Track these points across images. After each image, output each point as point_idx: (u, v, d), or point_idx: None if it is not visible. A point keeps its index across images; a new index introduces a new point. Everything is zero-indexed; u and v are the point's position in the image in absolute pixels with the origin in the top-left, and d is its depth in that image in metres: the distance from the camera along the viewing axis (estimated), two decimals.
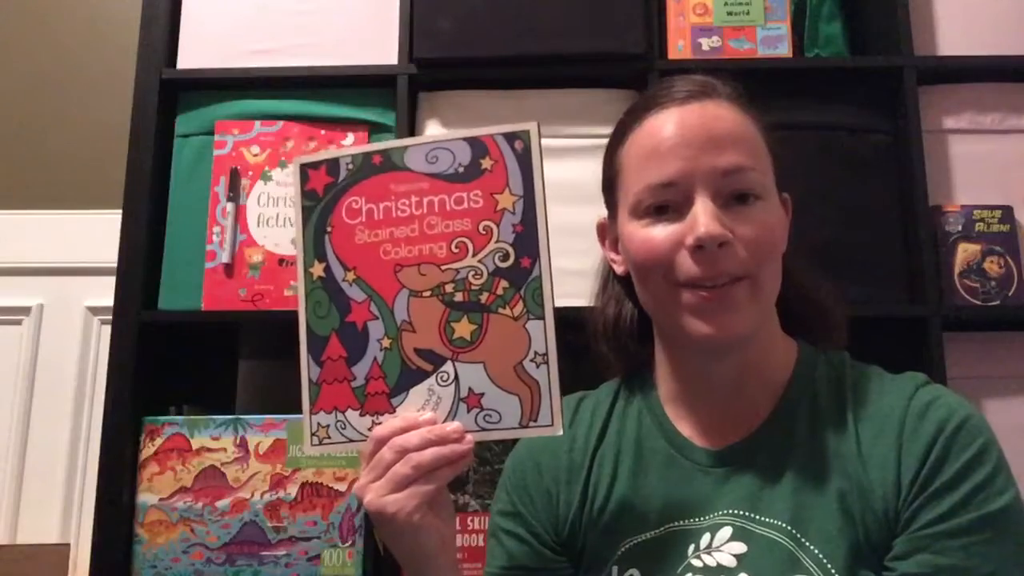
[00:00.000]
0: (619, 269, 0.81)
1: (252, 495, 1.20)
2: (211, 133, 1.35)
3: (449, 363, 0.68)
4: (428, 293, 0.68)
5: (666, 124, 0.72)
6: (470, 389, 0.67)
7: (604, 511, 0.75)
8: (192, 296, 1.28)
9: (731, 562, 0.68)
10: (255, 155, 1.33)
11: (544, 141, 1.33)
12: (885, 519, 0.66)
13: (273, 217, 1.31)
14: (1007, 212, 1.30)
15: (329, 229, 0.71)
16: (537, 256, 0.67)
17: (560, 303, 1.27)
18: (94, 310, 1.75)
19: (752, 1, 1.38)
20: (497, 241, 0.68)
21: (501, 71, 1.35)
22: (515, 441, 0.86)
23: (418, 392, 0.68)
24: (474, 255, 0.68)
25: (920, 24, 1.35)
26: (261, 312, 1.27)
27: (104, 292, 1.42)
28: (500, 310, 0.67)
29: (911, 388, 0.70)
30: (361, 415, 0.69)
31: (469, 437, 0.65)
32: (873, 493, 0.66)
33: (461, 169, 0.69)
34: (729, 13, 1.38)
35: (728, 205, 0.69)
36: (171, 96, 1.37)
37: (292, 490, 1.20)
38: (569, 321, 1.31)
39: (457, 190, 0.69)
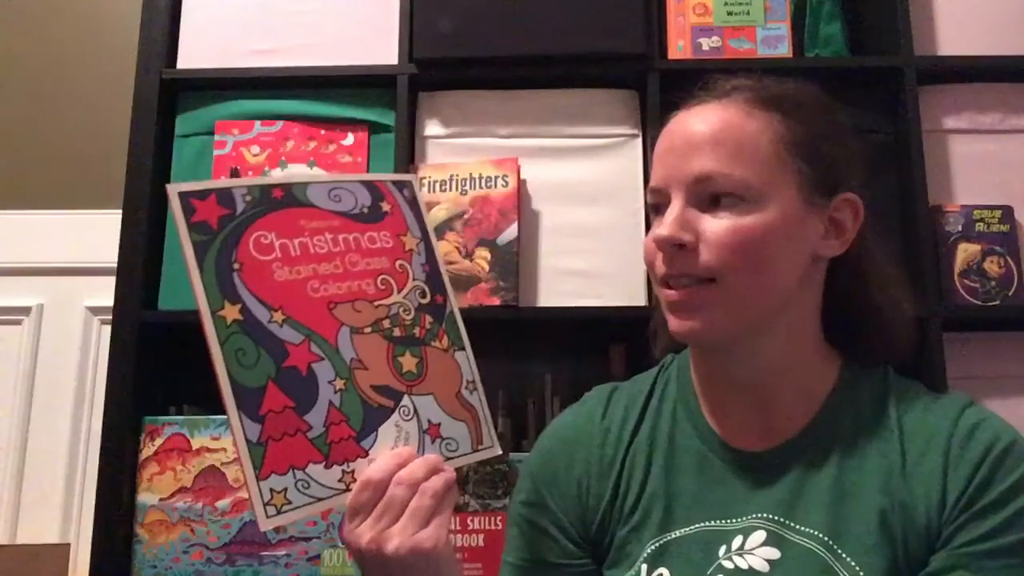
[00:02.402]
0: None
1: None
2: (211, 133, 1.35)
3: (406, 397, 0.67)
4: (369, 329, 0.67)
5: (668, 130, 0.74)
6: (428, 420, 0.68)
7: (636, 507, 0.75)
8: (192, 296, 1.28)
9: (764, 567, 0.67)
10: (255, 155, 1.33)
11: (544, 141, 1.36)
12: (927, 536, 0.66)
13: None
14: (1007, 212, 1.30)
15: (236, 266, 0.64)
16: (446, 293, 0.72)
17: (560, 303, 1.29)
18: (94, 310, 1.75)
19: (752, 1, 1.38)
20: (414, 279, 0.71)
21: (501, 71, 1.35)
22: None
23: (387, 430, 0.66)
24: (399, 292, 0.69)
25: (920, 24, 1.36)
26: None
27: (104, 292, 1.42)
28: (433, 343, 0.70)
29: (957, 408, 0.71)
30: (327, 467, 0.62)
31: (448, 466, 0.66)
32: (916, 510, 0.67)
33: (366, 210, 0.70)
34: (729, 13, 1.38)
35: (706, 209, 0.70)
36: (171, 96, 1.37)
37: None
38: (568, 321, 1.32)
39: (368, 229, 0.70)
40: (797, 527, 0.69)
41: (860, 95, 1.34)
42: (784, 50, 1.36)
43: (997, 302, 1.27)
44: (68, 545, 1.60)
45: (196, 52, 1.38)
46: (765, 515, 0.70)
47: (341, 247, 0.68)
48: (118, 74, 1.60)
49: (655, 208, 0.74)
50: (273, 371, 0.62)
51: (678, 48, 1.37)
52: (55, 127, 1.87)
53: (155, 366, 1.29)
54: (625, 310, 1.28)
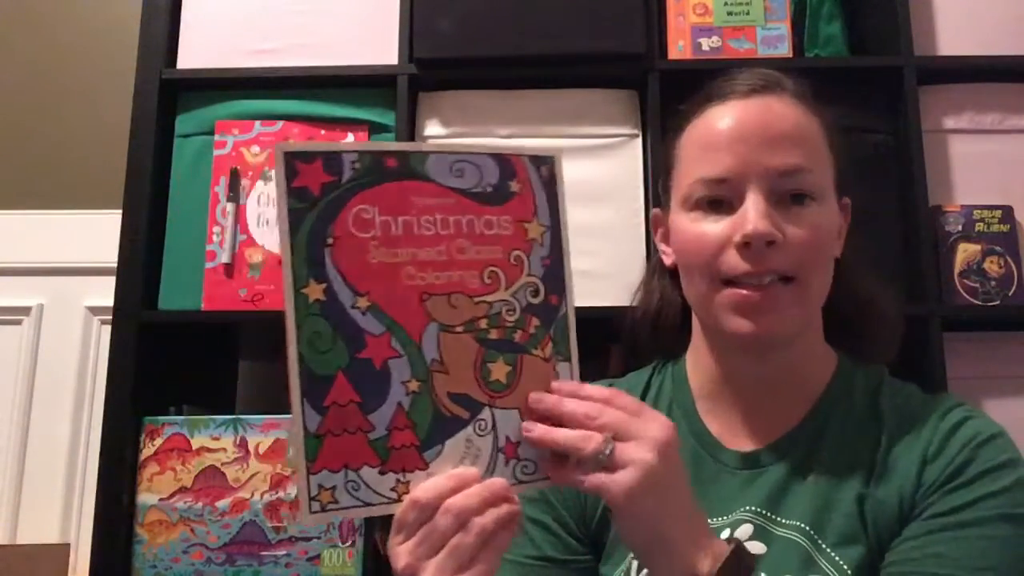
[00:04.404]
0: (668, 261, 0.80)
1: (252, 495, 1.19)
2: (211, 133, 1.35)
3: (487, 409, 0.60)
4: (461, 329, 0.59)
5: (724, 117, 0.71)
6: (507, 438, 0.60)
7: None
8: (192, 296, 1.28)
9: None
10: (255, 155, 1.33)
11: (544, 141, 1.35)
12: (900, 526, 0.66)
13: (273, 217, 1.31)
14: (1007, 212, 1.30)
15: (330, 241, 0.58)
16: (564, 293, 0.63)
17: None
18: (94, 310, 1.75)
19: (752, 1, 1.38)
20: (528, 274, 0.62)
21: (501, 71, 1.35)
22: None
23: (455, 444, 0.58)
24: (507, 288, 0.61)
25: (920, 24, 1.35)
26: (261, 312, 1.27)
27: (104, 292, 1.42)
28: (533, 350, 0.62)
29: (944, 408, 0.71)
30: (381, 473, 0.57)
31: (514, 495, 0.58)
32: (891, 503, 0.67)
33: (490, 189, 0.62)
34: (729, 13, 1.38)
35: (782, 205, 0.68)
36: (171, 96, 1.37)
37: (292, 490, 1.20)
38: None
39: (487, 212, 0.61)
40: (782, 520, 0.69)
41: (860, 95, 1.34)
42: (784, 50, 1.36)
43: (997, 302, 1.27)
44: (68, 545, 1.59)
45: (196, 52, 1.38)
46: (752, 509, 0.70)
47: (451, 230, 0.60)
48: (118, 74, 1.60)
49: (711, 202, 0.70)
50: (346, 361, 0.57)
51: (678, 48, 1.37)
52: (55, 127, 1.87)
53: (155, 366, 1.29)
54: (625, 310, 1.28)
